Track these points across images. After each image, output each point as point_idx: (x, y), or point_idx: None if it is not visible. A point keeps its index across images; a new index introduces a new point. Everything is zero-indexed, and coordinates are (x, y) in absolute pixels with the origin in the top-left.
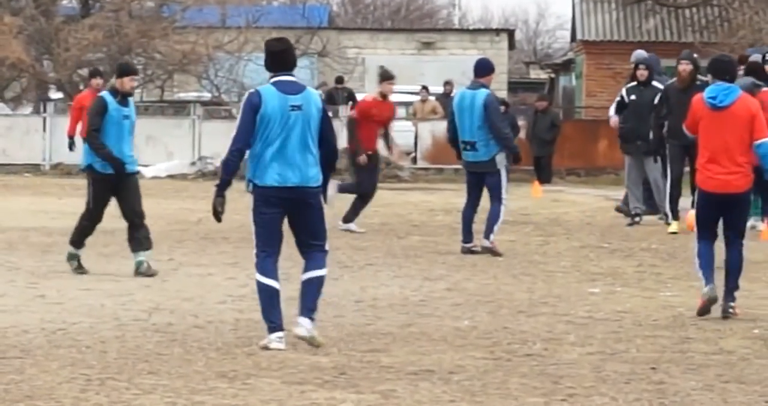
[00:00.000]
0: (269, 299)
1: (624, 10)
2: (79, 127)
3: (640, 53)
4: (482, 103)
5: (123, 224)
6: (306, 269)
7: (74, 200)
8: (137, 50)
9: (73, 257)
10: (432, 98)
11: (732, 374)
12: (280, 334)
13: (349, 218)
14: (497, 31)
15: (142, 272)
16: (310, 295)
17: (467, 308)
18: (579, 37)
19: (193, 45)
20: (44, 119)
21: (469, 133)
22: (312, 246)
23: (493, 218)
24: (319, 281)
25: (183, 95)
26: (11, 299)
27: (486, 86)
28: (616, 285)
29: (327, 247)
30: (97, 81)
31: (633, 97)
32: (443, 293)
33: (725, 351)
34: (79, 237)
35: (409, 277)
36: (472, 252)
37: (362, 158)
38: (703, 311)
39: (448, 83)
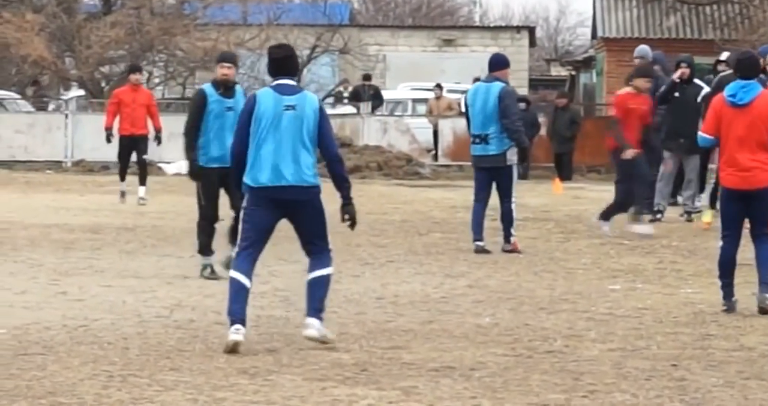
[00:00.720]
0: (235, 293)
1: (645, 7)
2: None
3: (644, 48)
4: (497, 95)
5: (144, 221)
6: (310, 269)
7: (96, 197)
8: (159, 47)
9: (204, 268)
10: (447, 95)
11: (752, 370)
12: (238, 326)
13: (606, 216)
14: (518, 29)
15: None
16: (316, 295)
17: (488, 305)
18: (600, 34)
19: (214, 42)
20: (66, 116)
21: (482, 126)
22: (314, 245)
23: (507, 219)
24: (323, 280)
25: None
26: (33, 295)
27: (501, 79)
28: (637, 282)
29: (330, 245)
30: (136, 76)
31: (676, 94)
32: (464, 289)
33: (746, 348)
34: (202, 241)
35: (430, 274)
36: (486, 251)
37: (630, 152)
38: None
39: (477, 80)
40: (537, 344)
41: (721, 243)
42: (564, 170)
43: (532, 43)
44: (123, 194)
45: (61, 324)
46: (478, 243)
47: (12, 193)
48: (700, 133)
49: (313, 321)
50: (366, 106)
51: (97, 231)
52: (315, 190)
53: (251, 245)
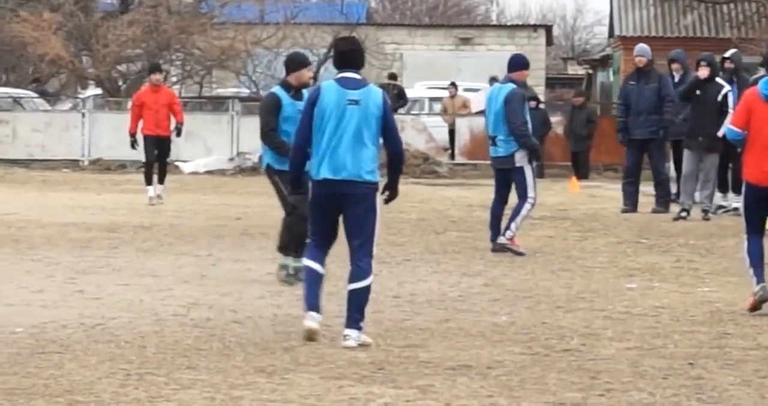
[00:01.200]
0: (311, 282)
1: (662, 5)
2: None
3: (643, 47)
4: (503, 98)
5: (161, 220)
6: (350, 279)
7: (113, 196)
8: (176, 46)
9: (282, 268)
10: (463, 94)
11: None
12: (313, 313)
13: None
14: (535, 27)
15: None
16: (355, 306)
17: (505, 304)
18: (617, 32)
19: (231, 41)
20: (83, 115)
21: (492, 128)
22: (356, 247)
23: (514, 213)
24: (363, 291)
25: (221, 91)
26: (50, 294)
27: (514, 81)
28: (654, 281)
29: (374, 250)
30: (156, 76)
31: (698, 92)
32: (481, 288)
33: (763, 346)
34: (285, 239)
35: (447, 272)
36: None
37: None
38: (754, 308)
39: (494, 79)
40: (554, 343)
41: (746, 241)
42: (581, 169)
43: (549, 41)
44: (151, 199)
45: (78, 323)
46: (494, 242)
47: (29, 191)
48: (728, 125)
49: (351, 332)
50: (393, 105)
51: (114, 230)
52: (371, 186)
53: (320, 236)
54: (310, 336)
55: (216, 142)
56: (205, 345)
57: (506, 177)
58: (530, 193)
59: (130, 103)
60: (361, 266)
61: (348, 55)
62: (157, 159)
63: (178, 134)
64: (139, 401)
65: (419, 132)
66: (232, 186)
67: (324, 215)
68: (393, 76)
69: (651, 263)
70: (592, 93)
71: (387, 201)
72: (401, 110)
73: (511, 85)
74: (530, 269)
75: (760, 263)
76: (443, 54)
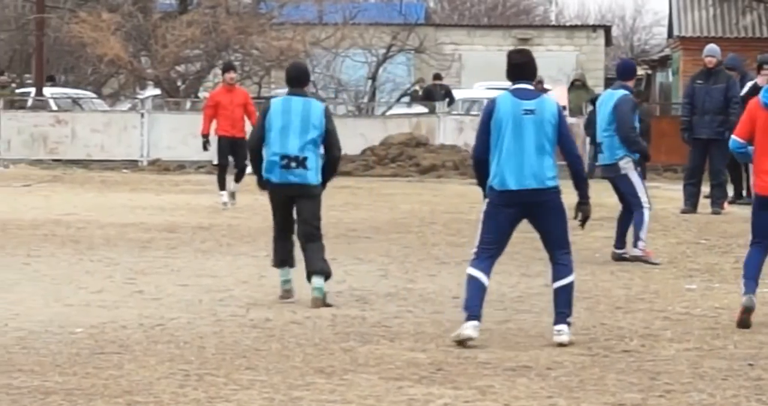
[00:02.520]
0: (474, 290)
1: (721, 6)
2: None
3: (713, 48)
4: (613, 104)
5: (219, 220)
6: (554, 278)
7: (172, 197)
8: (234, 47)
9: (285, 282)
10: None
11: None
12: (475, 323)
13: None
14: (594, 28)
15: None
16: (563, 302)
17: None
18: (676, 33)
19: (290, 41)
20: (142, 115)
21: (599, 134)
22: (558, 248)
23: (636, 224)
24: (568, 288)
25: (280, 92)
26: (109, 294)
27: (627, 88)
28: (714, 281)
29: (568, 249)
30: (230, 75)
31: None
32: (541, 289)
33: None
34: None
35: (506, 273)
36: (623, 259)
37: None
38: (742, 322)
39: (578, 81)
40: (613, 344)
41: (749, 250)
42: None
43: (608, 42)
44: (225, 204)
45: (137, 323)
46: (616, 251)
47: (88, 192)
48: (732, 136)
49: (563, 327)
50: (441, 106)
51: (173, 230)
52: (555, 191)
53: (492, 246)
54: (464, 341)
55: None
56: (264, 346)
57: (616, 185)
58: (642, 199)
59: (189, 104)
60: (564, 264)
61: (522, 67)
62: (235, 162)
63: None
64: (199, 401)
65: None
66: None
67: (502, 225)
68: (438, 77)
69: (711, 263)
70: (651, 93)
71: (582, 223)
72: (459, 110)
73: (623, 91)
74: (590, 269)
75: (754, 276)
76: (502, 54)
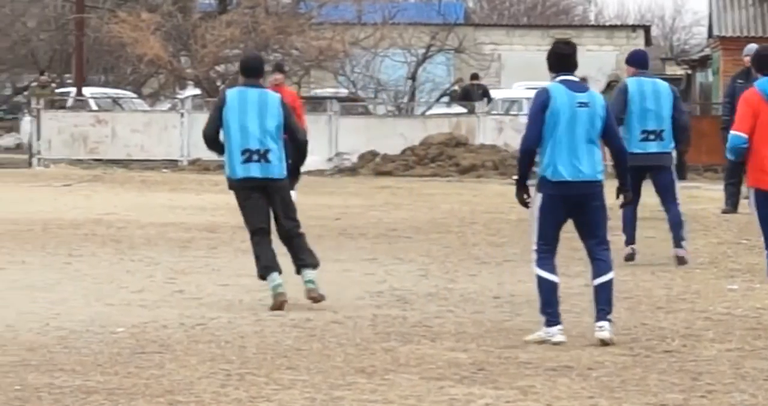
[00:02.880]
0: (549, 293)
1: (761, 5)
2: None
3: (754, 47)
4: (671, 92)
5: None
6: (595, 275)
7: (212, 196)
8: (274, 47)
9: (277, 287)
10: None
11: None
12: (560, 326)
13: None
14: (633, 28)
15: None
16: (604, 298)
17: None
18: (716, 33)
19: (329, 41)
20: (182, 115)
21: (657, 122)
22: (598, 242)
23: (677, 222)
24: (609, 284)
25: (320, 91)
26: (150, 294)
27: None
28: (755, 282)
29: (608, 245)
30: (277, 76)
31: None
32: (581, 289)
33: None
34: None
35: None
36: (631, 257)
37: None
38: None
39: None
40: (654, 344)
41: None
42: (679, 170)
43: (648, 42)
44: None
45: (178, 323)
46: (629, 246)
47: (129, 191)
48: (732, 132)
49: (604, 324)
50: (481, 105)
51: (214, 230)
52: (602, 184)
53: (552, 241)
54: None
55: (314, 143)
56: (305, 345)
57: (644, 178)
58: (678, 195)
59: None
60: (604, 260)
61: (568, 58)
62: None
63: None
64: (240, 401)
65: (518, 132)
66: (330, 186)
67: (556, 217)
68: (476, 77)
69: (752, 263)
70: (692, 93)
71: (623, 204)
72: (499, 110)
73: (665, 82)
74: (630, 270)
75: None
76: (541, 54)
